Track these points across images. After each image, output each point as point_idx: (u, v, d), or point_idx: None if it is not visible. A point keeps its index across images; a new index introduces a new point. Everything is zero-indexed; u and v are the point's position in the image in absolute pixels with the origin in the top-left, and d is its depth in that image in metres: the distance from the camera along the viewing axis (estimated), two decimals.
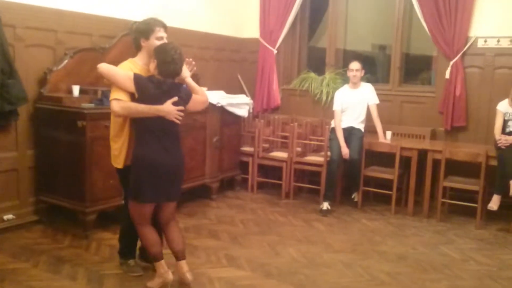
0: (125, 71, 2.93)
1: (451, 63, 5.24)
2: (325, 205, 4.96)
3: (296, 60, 6.51)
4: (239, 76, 6.53)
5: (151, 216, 3.07)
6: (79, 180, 3.93)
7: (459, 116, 5.29)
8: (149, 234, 3.07)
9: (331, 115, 5.38)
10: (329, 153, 5.13)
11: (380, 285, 3.36)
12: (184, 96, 3.02)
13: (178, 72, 2.97)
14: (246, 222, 4.62)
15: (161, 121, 2.91)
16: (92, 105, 3.94)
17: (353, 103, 5.16)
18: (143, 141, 2.93)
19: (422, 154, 4.94)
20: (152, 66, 2.95)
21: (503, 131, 4.61)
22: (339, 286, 3.30)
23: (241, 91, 6.38)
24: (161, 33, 3.03)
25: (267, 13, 6.20)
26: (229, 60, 6.44)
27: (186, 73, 3.12)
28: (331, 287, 3.29)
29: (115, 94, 2.89)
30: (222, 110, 5.31)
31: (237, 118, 5.61)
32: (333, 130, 5.18)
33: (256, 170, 5.67)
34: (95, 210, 3.99)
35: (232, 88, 6.21)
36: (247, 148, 5.84)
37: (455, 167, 4.89)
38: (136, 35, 3.07)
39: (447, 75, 5.28)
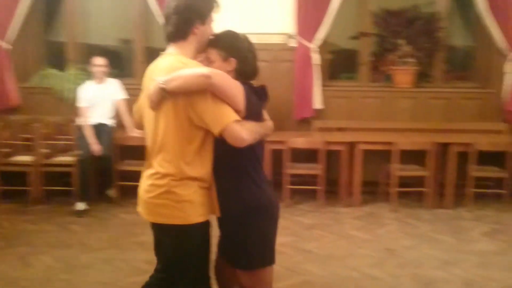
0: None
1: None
2: (80, 205, 4.81)
3: (33, 56, 6.02)
4: None
5: None
6: None
7: None
8: None
9: (78, 112, 5.19)
10: (80, 152, 4.96)
11: (142, 274, 3.43)
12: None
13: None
14: None
15: (261, 144, 2.08)
16: None
17: (100, 99, 5.08)
18: (256, 176, 2.05)
19: None
20: (225, 66, 1.99)
21: None
22: (100, 284, 3.28)
23: None
24: (214, 14, 2.04)
25: None
26: None
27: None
28: (92, 287, 3.25)
29: (228, 113, 1.83)
30: None
31: None
32: (81, 128, 5.02)
33: None
34: None
35: None
36: None
37: None
38: (188, 16, 1.95)
39: None
